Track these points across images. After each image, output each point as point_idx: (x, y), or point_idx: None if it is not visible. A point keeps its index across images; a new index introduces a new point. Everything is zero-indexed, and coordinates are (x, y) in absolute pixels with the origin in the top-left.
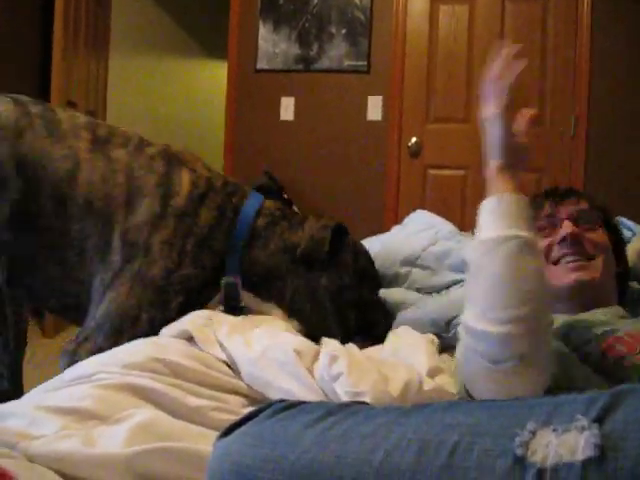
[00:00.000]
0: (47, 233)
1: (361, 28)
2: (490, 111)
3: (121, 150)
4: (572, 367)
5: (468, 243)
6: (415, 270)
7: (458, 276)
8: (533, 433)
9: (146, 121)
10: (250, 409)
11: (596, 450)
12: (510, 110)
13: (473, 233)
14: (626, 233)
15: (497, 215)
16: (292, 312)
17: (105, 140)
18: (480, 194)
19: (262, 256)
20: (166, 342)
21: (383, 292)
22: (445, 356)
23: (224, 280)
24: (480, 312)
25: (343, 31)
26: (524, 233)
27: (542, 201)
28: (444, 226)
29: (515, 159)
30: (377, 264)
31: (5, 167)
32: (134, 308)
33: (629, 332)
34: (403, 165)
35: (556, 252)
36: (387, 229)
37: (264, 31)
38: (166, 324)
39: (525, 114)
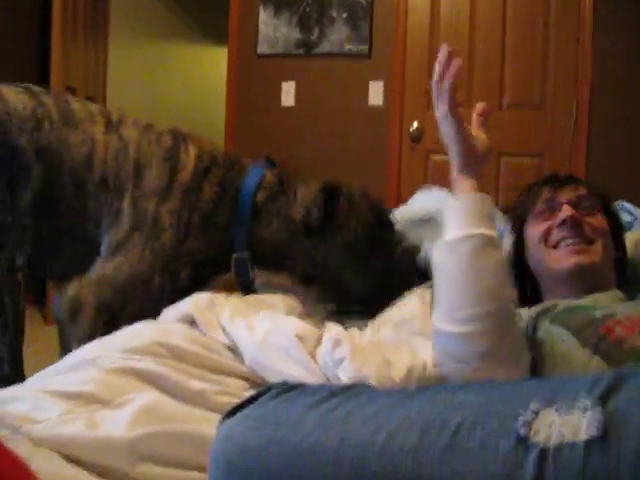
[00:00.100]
0: (67, 215)
1: (362, 12)
2: (439, 112)
3: (132, 130)
4: (572, 351)
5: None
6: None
7: None
8: (536, 413)
9: (146, 106)
10: (252, 392)
11: (599, 430)
12: (455, 109)
13: None
14: (627, 217)
15: (457, 216)
16: (307, 282)
17: (117, 122)
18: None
19: (266, 233)
20: (168, 326)
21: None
22: None
23: (234, 256)
24: (444, 313)
25: (344, 15)
26: (481, 231)
27: (541, 187)
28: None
29: (471, 157)
30: None
31: (26, 158)
32: (147, 271)
33: (628, 315)
34: (404, 150)
35: (555, 235)
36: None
37: (264, 15)
38: (175, 296)
39: (477, 108)
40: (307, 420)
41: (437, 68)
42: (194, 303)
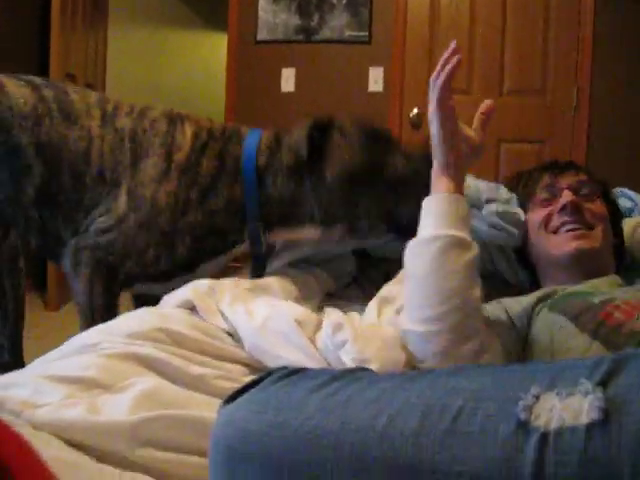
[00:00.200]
0: (65, 206)
1: None
2: (429, 111)
3: (126, 118)
4: (570, 338)
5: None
6: None
7: None
8: (537, 397)
9: (146, 94)
10: (253, 377)
11: (600, 414)
12: (445, 109)
13: None
14: (627, 203)
15: (430, 216)
16: (325, 224)
17: (112, 114)
18: (480, 165)
19: (274, 193)
20: (169, 312)
21: None
22: None
23: (248, 227)
24: (408, 312)
25: (344, 1)
26: (451, 232)
27: (541, 173)
28: None
29: (454, 158)
30: None
31: (28, 155)
32: (142, 243)
33: (626, 300)
34: (404, 136)
35: (556, 221)
36: None
37: (264, 2)
38: (173, 264)
39: (482, 105)
40: (308, 404)
41: (437, 66)
42: (194, 289)
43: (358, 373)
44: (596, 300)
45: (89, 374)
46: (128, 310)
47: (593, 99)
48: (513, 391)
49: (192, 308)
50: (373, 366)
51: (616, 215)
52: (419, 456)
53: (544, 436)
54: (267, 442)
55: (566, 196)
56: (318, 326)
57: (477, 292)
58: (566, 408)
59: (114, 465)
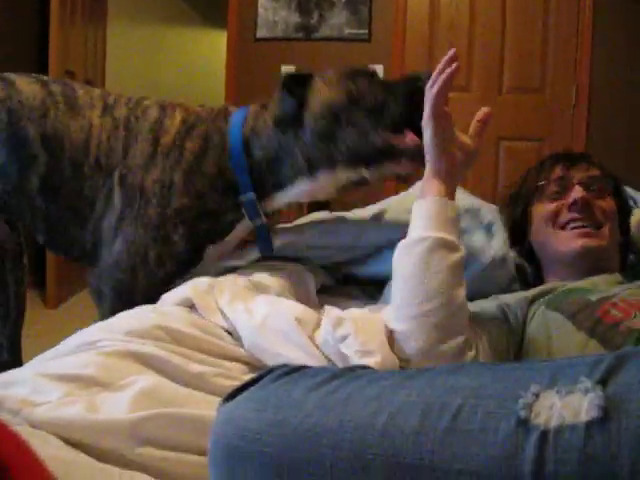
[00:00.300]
0: (68, 195)
1: None
2: (423, 118)
3: (124, 108)
4: (567, 335)
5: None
6: None
7: None
8: (537, 395)
9: (145, 91)
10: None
11: (600, 411)
12: (439, 117)
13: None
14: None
15: (419, 218)
16: (311, 172)
17: (112, 105)
18: (479, 163)
19: (260, 155)
20: (168, 310)
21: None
22: None
23: (241, 199)
24: (394, 310)
25: None
26: (440, 234)
27: (553, 164)
28: None
29: (446, 164)
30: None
31: (34, 145)
32: (141, 247)
33: (624, 298)
34: None
35: (564, 216)
36: (387, 195)
37: None
38: (175, 258)
39: (479, 113)
40: (307, 402)
41: (434, 73)
42: (193, 287)
43: (358, 371)
44: (593, 298)
45: (88, 372)
46: None
47: (592, 97)
48: (513, 389)
49: (191, 306)
50: (376, 358)
51: (625, 212)
52: (419, 454)
53: (544, 434)
54: (267, 440)
55: (576, 192)
56: (318, 324)
57: (462, 292)
58: (566, 406)
59: (113, 464)
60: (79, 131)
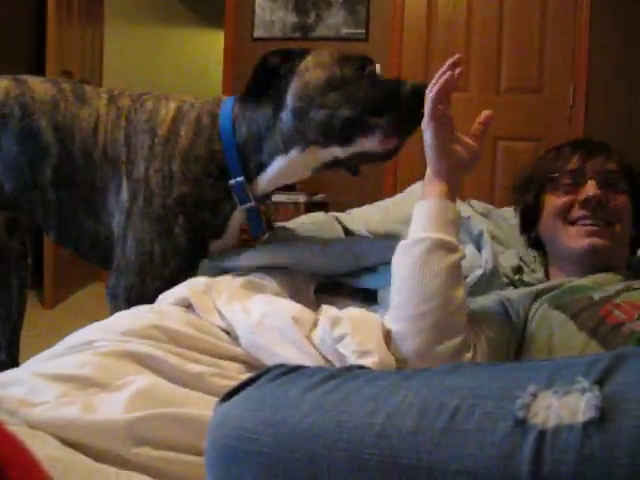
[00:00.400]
0: (80, 186)
1: None
2: (423, 121)
3: (126, 99)
4: (569, 335)
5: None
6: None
7: None
8: (534, 395)
9: (142, 90)
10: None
11: (597, 412)
12: (438, 121)
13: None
14: None
15: (419, 219)
16: (295, 143)
17: (117, 95)
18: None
19: (248, 132)
20: (165, 309)
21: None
22: None
23: (231, 183)
24: (393, 311)
25: None
26: (439, 235)
27: (570, 153)
28: None
29: (447, 165)
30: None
31: (46, 136)
32: (148, 243)
33: (627, 300)
34: None
35: (575, 212)
36: (387, 193)
37: None
38: (178, 254)
39: (481, 115)
40: (304, 402)
41: (435, 77)
42: (191, 287)
43: (355, 371)
44: (596, 296)
45: (85, 372)
46: None
47: (590, 97)
48: (510, 389)
49: (188, 306)
50: (373, 358)
51: (638, 208)
52: (416, 454)
53: (541, 434)
54: (263, 440)
55: (590, 188)
56: (315, 323)
57: (460, 292)
58: (563, 406)
59: (110, 464)
60: (87, 119)
